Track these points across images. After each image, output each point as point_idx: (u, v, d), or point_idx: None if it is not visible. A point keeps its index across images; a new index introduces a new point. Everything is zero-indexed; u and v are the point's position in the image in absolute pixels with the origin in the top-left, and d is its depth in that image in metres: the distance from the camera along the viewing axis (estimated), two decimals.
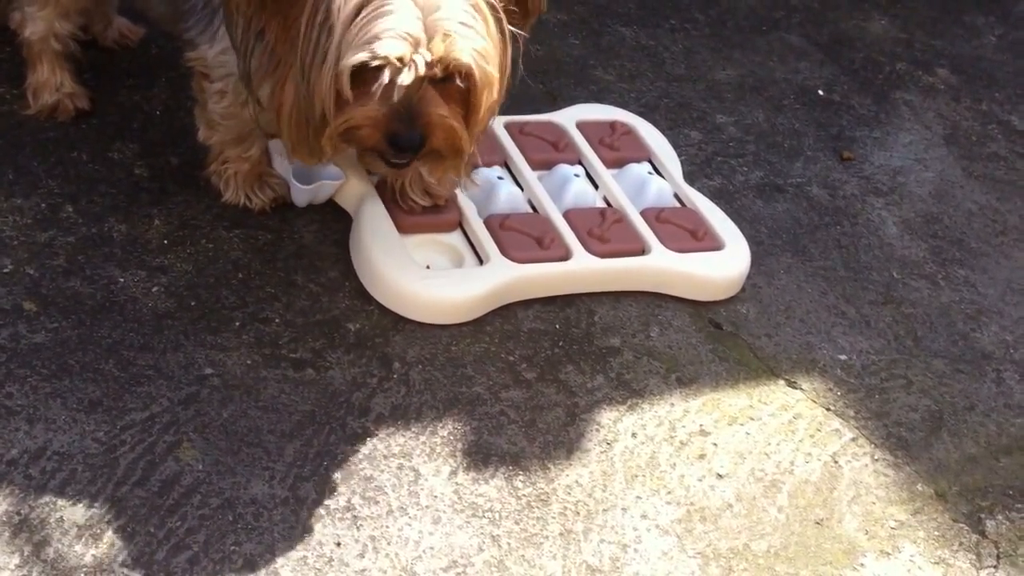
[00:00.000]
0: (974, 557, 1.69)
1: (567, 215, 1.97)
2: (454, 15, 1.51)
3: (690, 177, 2.20)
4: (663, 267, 1.95)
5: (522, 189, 2.01)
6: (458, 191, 1.93)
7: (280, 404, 1.63)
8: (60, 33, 1.93)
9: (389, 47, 1.48)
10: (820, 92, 2.63)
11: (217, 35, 1.69)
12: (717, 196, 2.19)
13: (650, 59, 2.58)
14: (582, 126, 2.19)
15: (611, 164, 2.12)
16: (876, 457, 1.80)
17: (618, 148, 2.16)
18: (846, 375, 1.93)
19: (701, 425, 1.77)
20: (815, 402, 1.86)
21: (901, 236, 2.27)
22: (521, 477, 1.63)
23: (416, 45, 1.49)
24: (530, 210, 1.99)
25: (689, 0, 2.82)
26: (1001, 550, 1.71)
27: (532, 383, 1.77)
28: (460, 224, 1.92)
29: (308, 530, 1.49)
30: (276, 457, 1.56)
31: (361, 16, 1.49)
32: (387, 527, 1.52)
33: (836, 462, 1.77)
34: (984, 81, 2.81)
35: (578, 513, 1.60)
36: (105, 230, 1.82)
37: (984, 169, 2.52)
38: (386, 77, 1.50)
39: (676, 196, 2.11)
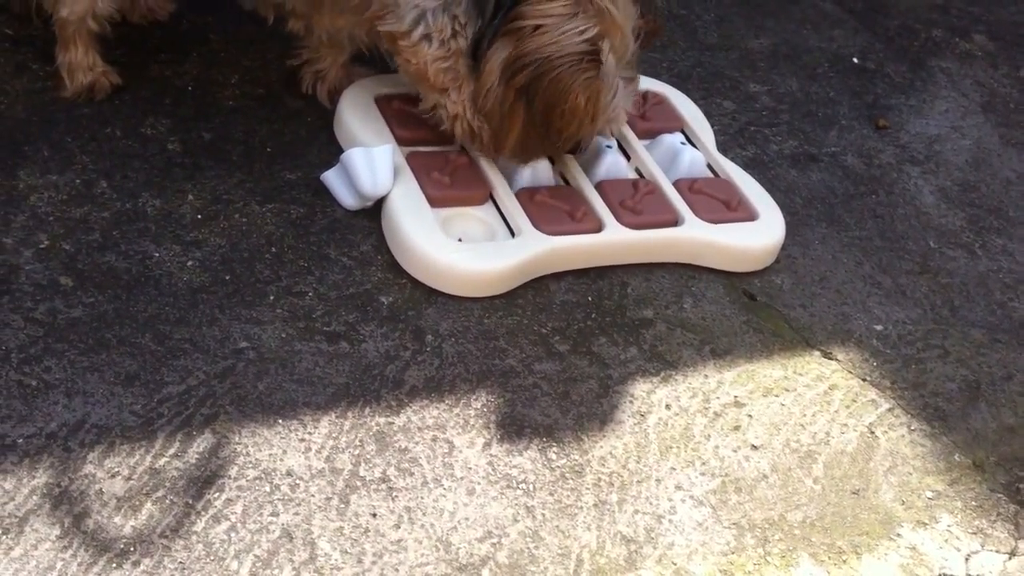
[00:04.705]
0: (1012, 527, 1.68)
1: (599, 186, 1.96)
2: None
3: (723, 147, 2.19)
4: (696, 238, 1.94)
5: (553, 162, 2.01)
6: (486, 164, 1.93)
7: (315, 377, 1.64)
8: (100, 13, 1.92)
9: None
10: (855, 60, 2.59)
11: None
12: (751, 166, 2.17)
13: (682, 28, 2.55)
14: None
15: (643, 135, 2.11)
16: (913, 427, 1.78)
17: (650, 118, 2.15)
18: (882, 345, 1.91)
19: (735, 396, 1.76)
20: (851, 373, 1.85)
21: (938, 205, 2.24)
22: (555, 449, 1.63)
23: None
24: (562, 182, 1.99)
25: None
26: None
27: (565, 355, 1.76)
28: (491, 197, 1.92)
29: (344, 501, 1.50)
30: (312, 429, 1.57)
31: None
32: (422, 498, 1.53)
33: (872, 433, 1.76)
34: (1022, 47, 2.76)
35: (612, 484, 1.60)
36: (139, 205, 1.83)
37: (1022, 136, 2.48)
38: None
39: (709, 166, 2.09)
